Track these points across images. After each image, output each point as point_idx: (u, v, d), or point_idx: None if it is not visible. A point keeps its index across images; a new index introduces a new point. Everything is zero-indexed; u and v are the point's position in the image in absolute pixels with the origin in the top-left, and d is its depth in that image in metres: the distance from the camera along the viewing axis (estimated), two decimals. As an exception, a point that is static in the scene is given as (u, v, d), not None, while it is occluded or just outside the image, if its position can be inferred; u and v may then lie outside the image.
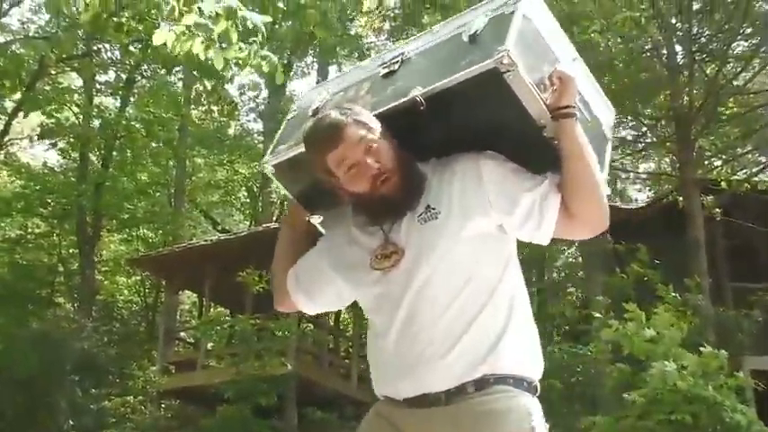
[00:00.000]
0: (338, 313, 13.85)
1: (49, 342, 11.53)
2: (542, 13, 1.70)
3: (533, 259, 12.28)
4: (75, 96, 15.50)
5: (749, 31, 10.80)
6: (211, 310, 13.70)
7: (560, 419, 7.44)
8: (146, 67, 15.57)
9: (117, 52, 14.09)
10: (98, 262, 16.72)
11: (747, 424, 5.62)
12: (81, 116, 15.08)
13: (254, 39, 4.09)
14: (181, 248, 12.93)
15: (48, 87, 14.55)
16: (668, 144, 12.09)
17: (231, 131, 18.14)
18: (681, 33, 11.02)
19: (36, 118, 14.53)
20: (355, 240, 1.72)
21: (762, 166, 13.05)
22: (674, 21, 11.12)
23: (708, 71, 11.09)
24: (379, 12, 13.18)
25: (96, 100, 16.21)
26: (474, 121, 1.63)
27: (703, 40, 11.24)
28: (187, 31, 3.88)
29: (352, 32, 15.39)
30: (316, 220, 1.86)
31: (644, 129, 12.62)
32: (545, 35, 1.68)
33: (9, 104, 13.92)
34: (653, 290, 7.14)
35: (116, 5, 4.56)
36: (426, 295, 1.58)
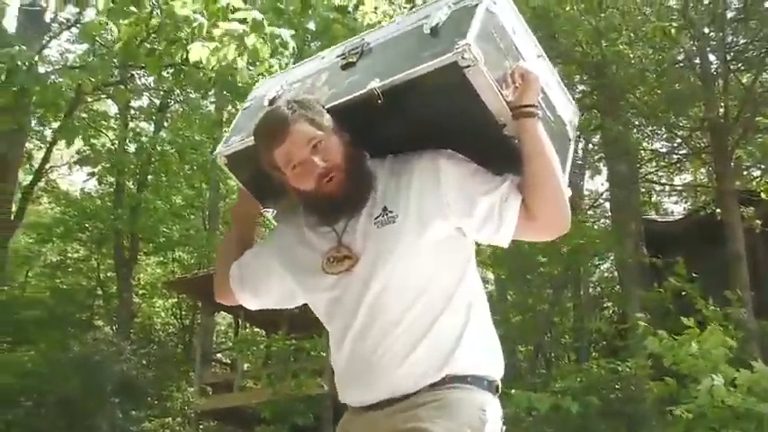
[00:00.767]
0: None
1: (90, 365, 11.65)
2: (508, 8, 1.65)
3: (569, 275, 12.16)
4: (111, 122, 15.81)
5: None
6: (247, 330, 13.76)
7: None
8: (178, 91, 15.82)
9: (150, 78, 14.33)
10: (135, 285, 16.94)
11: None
12: (117, 142, 15.36)
13: (284, 51, 4.13)
14: (216, 270, 13.01)
15: (84, 115, 14.84)
16: (704, 155, 11.91)
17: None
18: (714, 42, 10.89)
19: (74, 145, 14.81)
20: (307, 241, 1.65)
21: (802, 175, 12.77)
22: (706, 30, 10.99)
23: (744, 80, 10.92)
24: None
25: (131, 125, 16.50)
26: (433, 117, 1.56)
27: (738, 48, 11.09)
28: (219, 44, 3.94)
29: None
30: (269, 214, 1.83)
31: (678, 140, 12.45)
32: (509, 31, 1.61)
33: (48, 133, 14.24)
34: (692, 304, 7.00)
35: (146, 31, 4.65)
36: (382, 303, 1.53)
